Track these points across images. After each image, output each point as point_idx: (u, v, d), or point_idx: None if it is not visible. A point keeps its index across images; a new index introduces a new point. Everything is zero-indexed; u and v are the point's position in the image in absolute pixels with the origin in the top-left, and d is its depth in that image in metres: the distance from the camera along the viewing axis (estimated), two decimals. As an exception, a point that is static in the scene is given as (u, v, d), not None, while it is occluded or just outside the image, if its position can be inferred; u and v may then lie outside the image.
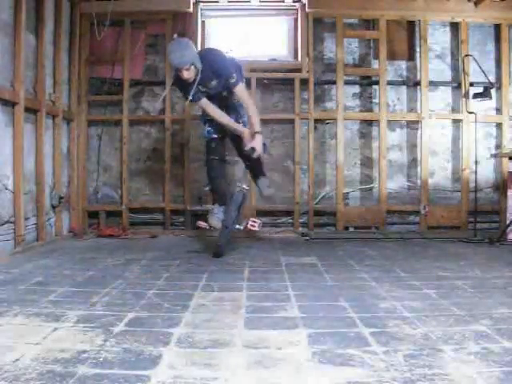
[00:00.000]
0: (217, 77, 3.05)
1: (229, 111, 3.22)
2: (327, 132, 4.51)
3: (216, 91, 3.14)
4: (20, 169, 3.22)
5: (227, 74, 3.02)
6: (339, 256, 3.19)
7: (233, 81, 3.02)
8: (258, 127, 3.06)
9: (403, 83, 4.51)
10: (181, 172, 4.44)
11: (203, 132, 3.37)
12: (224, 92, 3.16)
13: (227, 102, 3.23)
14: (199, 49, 4.50)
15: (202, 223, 3.22)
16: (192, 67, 2.94)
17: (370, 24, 4.51)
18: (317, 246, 3.67)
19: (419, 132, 4.43)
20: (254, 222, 3.34)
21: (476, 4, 4.30)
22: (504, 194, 4.23)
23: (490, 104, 4.41)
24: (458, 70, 4.46)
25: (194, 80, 2.99)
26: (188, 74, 2.95)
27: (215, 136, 3.29)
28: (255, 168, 3.44)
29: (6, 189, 3.14)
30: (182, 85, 3.10)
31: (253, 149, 3.03)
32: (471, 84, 4.35)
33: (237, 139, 3.25)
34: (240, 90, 3.06)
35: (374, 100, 4.49)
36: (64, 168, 4.10)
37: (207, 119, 3.26)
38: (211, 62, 3.01)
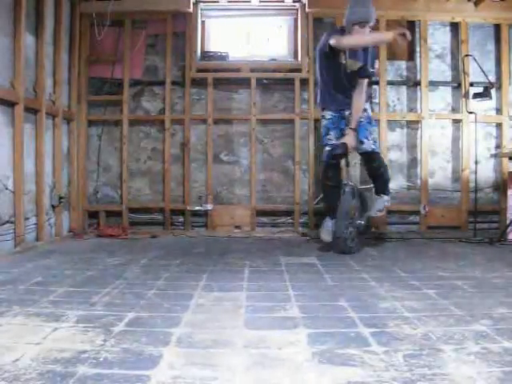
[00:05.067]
0: (363, 59, 3.17)
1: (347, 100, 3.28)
2: (327, 132, 4.50)
3: (346, 74, 3.22)
4: (20, 169, 3.22)
5: (372, 61, 3.20)
6: (339, 256, 3.19)
7: (372, 70, 3.23)
8: (353, 123, 3.17)
9: (403, 83, 4.51)
10: (181, 172, 4.44)
11: (323, 155, 3.40)
12: (346, 78, 3.23)
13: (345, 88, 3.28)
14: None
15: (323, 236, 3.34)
16: (368, 29, 3.08)
17: (370, 24, 4.50)
18: (317, 245, 3.66)
19: (419, 132, 4.43)
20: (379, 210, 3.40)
21: (476, 4, 4.30)
22: (504, 194, 4.23)
23: (490, 104, 4.41)
24: (458, 70, 4.46)
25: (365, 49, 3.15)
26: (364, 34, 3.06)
27: (334, 162, 3.28)
28: (375, 181, 3.42)
29: (6, 189, 3.14)
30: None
31: (343, 144, 3.15)
32: (471, 84, 4.35)
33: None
34: (365, 82, 3.22)
35: (374, 100, 4.49)
36: (64, 168, 4.10)
37: (329, 143, 3.31)
38: None
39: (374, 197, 3.39)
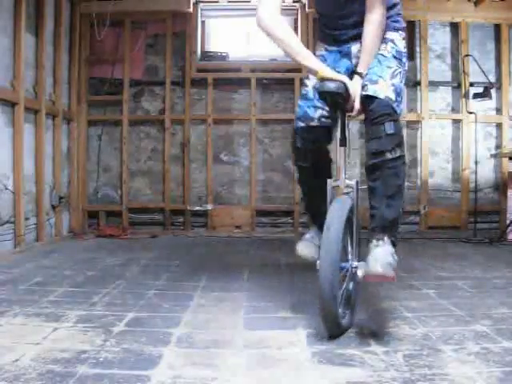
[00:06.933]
0: None
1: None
2: (327, 132, 4.50)
3: None
4: (20, 169, 3.22)
5: None
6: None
7: None
8: (363, 65, 1.72)
9: (403, 83, 4.50)
10: (181, 172, 4.44)
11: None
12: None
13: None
14: (199, 48, 4.53)
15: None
16: None
17: (370, 24, 4.51)
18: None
19: (419, 132, 4.43)
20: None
21: (476, 4, 4.30)
22: (504, 194, 4.23)
23: (490, 104, 4.40)
24: (458, 70, 4.45)
25: None
26: None
27: (302, 125, 1.85)
28: (377, 185, 1.70)
29: (6, 189, 3.14)
30: None
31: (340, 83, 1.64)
32: (471, 84, 4.35)
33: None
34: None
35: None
36: (64, 168, 4.09)
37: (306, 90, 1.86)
38: None
39: (371, 241, 1.64)
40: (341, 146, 1.76)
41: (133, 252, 3.29)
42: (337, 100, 1.67)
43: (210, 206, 4.37)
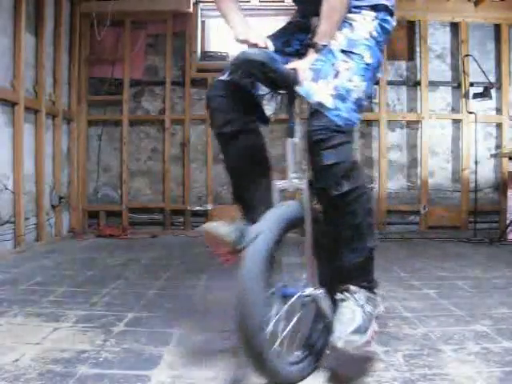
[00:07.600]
0: None
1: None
2: (327, 132, 4.50)
3: None
4: (20, 169, 3.22)
5: None
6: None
7: None
8: (322, 36, 1.34)
9: (403, 83, 4.50)
10: (181, 172, 4.44)
11: None
12: None
13: None
14: (199, 48, 4.53)
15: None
16: None
17: (370, 24, 4.50)
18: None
19: (419, 132, 4.43)
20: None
21: (476, 4, 4.30)
22: (504, 194, 4.23)
23: (490, 104, 4.40)
24: (458, 70, 4.45)
25: None
26: None
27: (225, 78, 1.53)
28: (336, 235, 1.36)
29: (6, 189, 3.14)
30: None
31: (293, 71, 1.29)
32: (471, 84, 4.35)
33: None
34: None
35: (373, 100, 4.48)
36: (64, 168, 4.09)
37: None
38: None
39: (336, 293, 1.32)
40: (287, 136, 1.41)
41: (133, 252, 3.29)
42: (266, 73, 1.28)
43: (209, 206, 4.37)
